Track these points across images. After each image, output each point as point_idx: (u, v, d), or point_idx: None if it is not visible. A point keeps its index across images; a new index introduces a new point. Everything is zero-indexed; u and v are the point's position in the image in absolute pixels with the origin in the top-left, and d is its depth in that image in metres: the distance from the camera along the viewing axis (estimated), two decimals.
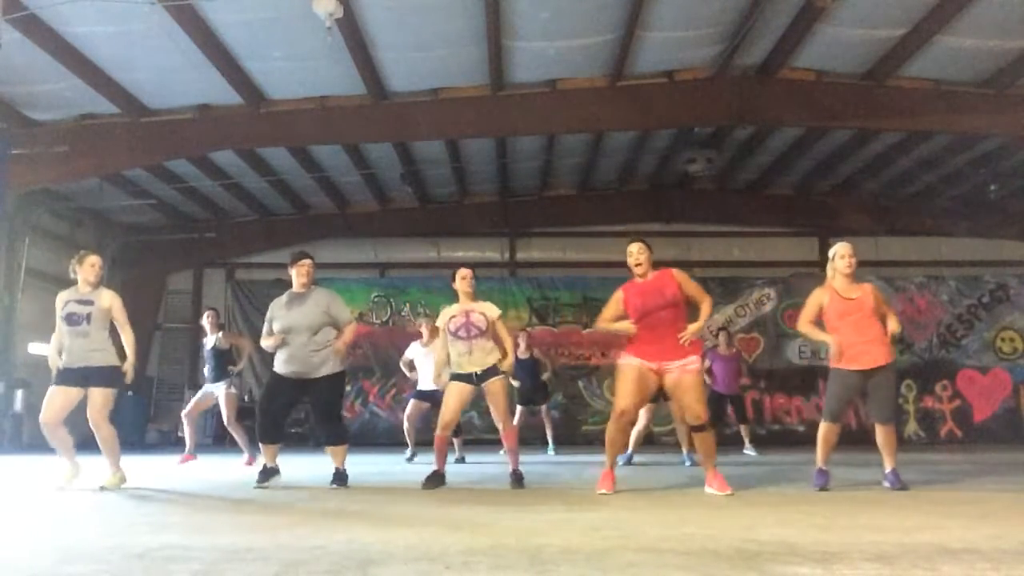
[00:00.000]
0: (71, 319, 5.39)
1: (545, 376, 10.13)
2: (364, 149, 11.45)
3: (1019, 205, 13.28)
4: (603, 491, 4.92)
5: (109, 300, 5.55)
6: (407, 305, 13.54)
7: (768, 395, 13.28)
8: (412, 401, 8.73)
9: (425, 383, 8.51)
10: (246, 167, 11.59)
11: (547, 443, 10.10)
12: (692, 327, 5.03)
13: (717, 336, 10.68)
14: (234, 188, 12.47)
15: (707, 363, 10.31)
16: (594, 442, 12.68)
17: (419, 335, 8.86)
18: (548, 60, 8.93)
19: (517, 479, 5.55)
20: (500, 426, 5.71)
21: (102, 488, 5.34)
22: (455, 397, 5.58)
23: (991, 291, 13.67)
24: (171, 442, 12.71)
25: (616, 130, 11.08)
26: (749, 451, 9.81)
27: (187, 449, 8.21)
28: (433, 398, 8.14)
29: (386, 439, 12.58)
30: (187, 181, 12.02)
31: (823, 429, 5.28)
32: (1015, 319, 13.54)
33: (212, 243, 13.94)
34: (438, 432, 5.61)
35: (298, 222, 13.94)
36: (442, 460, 5.65)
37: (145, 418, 12.77)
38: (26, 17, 7.29)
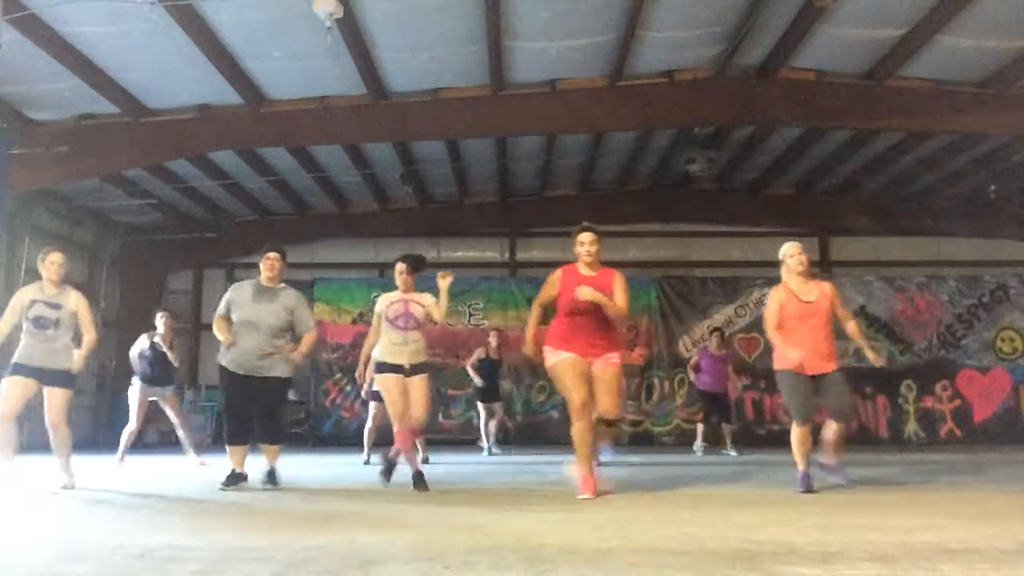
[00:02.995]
0: (39, 322, 5.32)
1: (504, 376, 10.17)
2: (364, 149, 11.45)
3: (1019, 205, 13.28)
4: (586, 496, 4.69)
5: (75, 303, 5.49)
6: None
7: (768, 395, 13.25)
8: (375, 404, 8.32)
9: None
10: (246, 167, 11.59)
11: (487, 442, 9.99)
12: (595, 294, 4.90)
13: (710, 336, 10.66)
14: (234, 188, 12.47)
15: (694, 360, 10.35)
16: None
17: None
18: (548, 60, 8.93)
19: (419, 477, 5.46)
20: (417, 417, 5.54)
21: (63, 488, 5.31)
22: (396, 389, 5.49)
23: (991, 291, 13.65)
24: (171, 442, 12.70)
25: (616, 130, 11.07)
26: (730, 451, 9.80)
27: (191, 452, 8.09)
28: None
29: (386, 439, 12.57)
30: (187, 181, 12.01)
31: (795, 433, 5.18)
32: (1015, 319, 13.52)
33: (212, 243, 13.93)
34: (398, 428, 5.53)
35: (298, 222, 13.93)
36: (415, 458, 5.61)
37: (145, 418, 12.74)
38: (26, 17, 7.28)
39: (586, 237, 5.13)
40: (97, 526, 3.74)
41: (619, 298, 5.00)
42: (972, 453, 9.89)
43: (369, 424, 8.52)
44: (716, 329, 11.07)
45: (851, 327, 5.45)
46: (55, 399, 5.37)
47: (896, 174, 12.78)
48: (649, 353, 13.37)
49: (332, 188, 12.95)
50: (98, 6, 7.20)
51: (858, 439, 12.80)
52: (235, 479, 5.42)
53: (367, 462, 8.26)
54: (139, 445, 11.84)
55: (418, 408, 5.56)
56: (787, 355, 5.07)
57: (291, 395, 13.32)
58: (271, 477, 5.47)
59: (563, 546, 2.91)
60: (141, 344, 8.14)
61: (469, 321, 13.42)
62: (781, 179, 13.47)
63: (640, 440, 12.86)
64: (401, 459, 5.75)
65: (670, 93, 9.71)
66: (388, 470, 5.74)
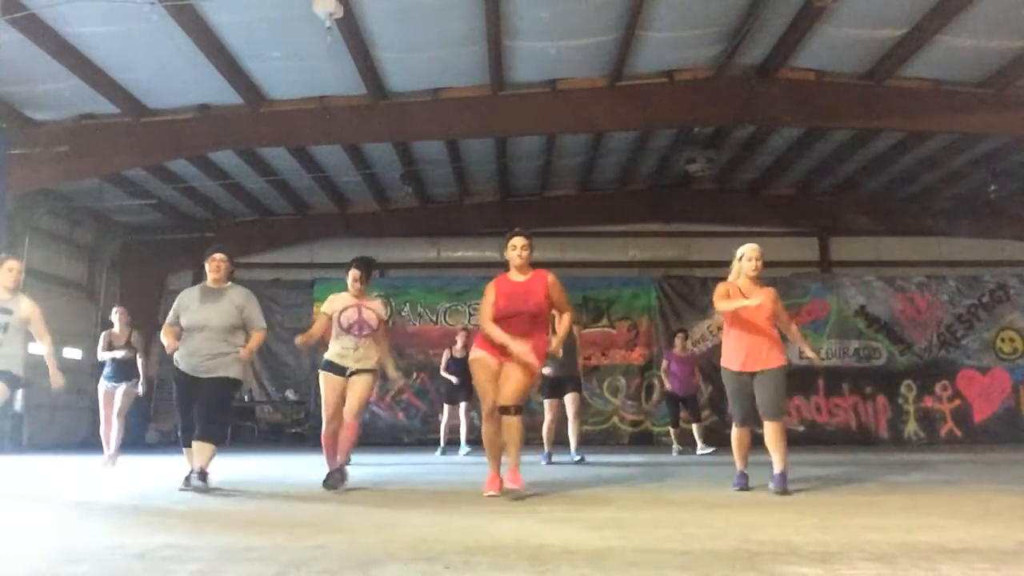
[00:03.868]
0: None
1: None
2: (364, 149, 11.45)
3: (1019, 205, 13.28)
4: (491, 493, 4.77)
5: (28, 310, 5.44)
6: (407, 305, 13.53)
7: None
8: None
9: None
10: (246, 167, 11.59)
11: (458, 443, 9.88)
12: (554, 341, 5.09)
13: (674, 338, 10.63)
14: (234, 188, 12.47)
15: (664, 364, 10.36)
16: (593, 442, 12.67)
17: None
18: (548, 60, 8.93)
19: (340, 477, 5.41)
20: (348, 412, 5.48)
21: None
22: (333, 389, 5.50)
23: (991, 291, 13.66)
24: (171, 442, 12.70)
25: (616, 130, 11.08)
26: (702, 450, 9.78)
27: (112, 451, 7.87)
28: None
29: (386, 439, 12.59)
30: (187, 181, 12.02)
31: (734, 434, 5.25)
32: (1015, 319, 13.53)
33: (212, 243, 13.91)
34: (324, 429, 5.53)
35: (298, 222, 13.94)
36: (332, 457, 5.56)
37: (145, 418, 12.75)
38: (26, 17, 7.29)
39: (519, 241, 5.13)
40: (97, 526, 3.74)
41: (559, 302, 5.08)
42: (972, 453, 9.89)
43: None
44: (680, 330, 11.02)
45: (793, 330, 5.48)
46: None
47: (896, 174, 12.78)
48: (649, 353, 13.37)
49: (332, 188, 12.96)
50: (98, 6, 7.21)
51: (858, 439, 12.84)
52: (191, 480, 5.25)
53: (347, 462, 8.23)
54: (140, 445, 11.89)
55: (352, 402, 5.49)
56: (733, 354, 5.14)
57: (290, 395, 13.36)
58: (202, 477, 5.15)
59: (563, 546, 2.91)
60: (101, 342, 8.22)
61: (469, 321, 13.42)
62: (781, 179, 13.48)
63: (640, 440, 12.86)
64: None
65: (670, 93, 9.72)
66: (337, 475, 5.59)
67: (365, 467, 7.83)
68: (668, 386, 10.22)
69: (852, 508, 4.24)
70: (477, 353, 5.04)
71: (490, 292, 5.07)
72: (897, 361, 13.32)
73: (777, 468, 5.01)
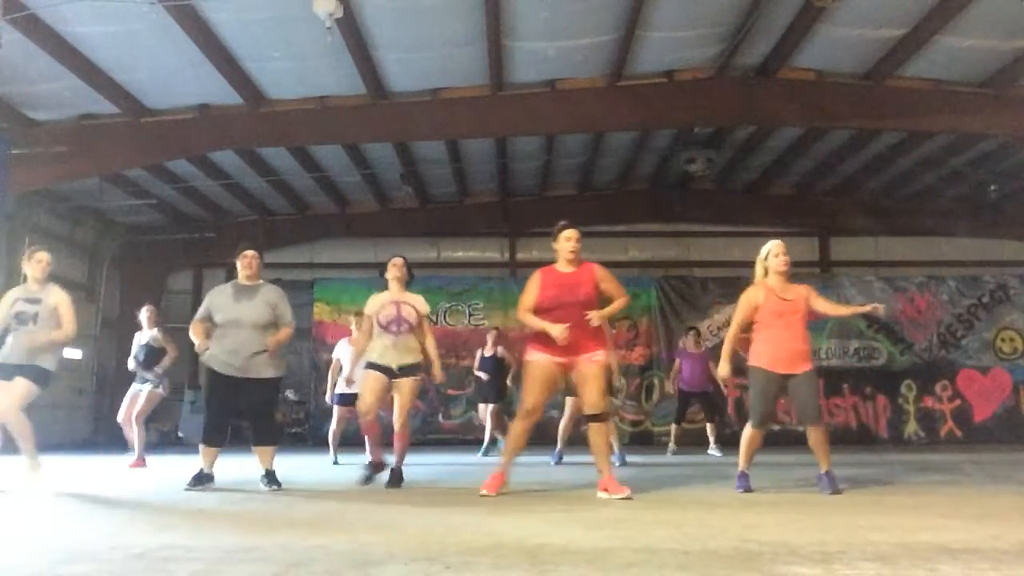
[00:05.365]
0: (19, 317, 5.35)
1: (510, 377, 10.03)
2: (364, 149, 11.45)
3: (1019, 205, 13.28)
4: (485, 492, 4.74)
5: (56, 298, 5.50)
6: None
7: None
8: (337, 408, 8.34)
9: (353, 387, 7.74)
10: (246, 167, 11.59)
11: (481, 443, 9.87)
12: (600, 312, 4.87)
13: (687, 335, 10.63)
14: (234, 188, 12.47)
15: (677, 362, 10.31)
16: None
17: (349, 334, 8.43)
18: (548, 60, 8.93)
19: (396, 478, 5.53)
20: (397, 424, 5.57)
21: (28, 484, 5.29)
22: (371, 385, 5.48)
23: (991, 291, 13.66)
24: (171, 442, 12.71)
25: (616, 130, 11.07)
26: (713, 451, 9.69)
27: (136, 454, 7.88)
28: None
29: (386, 439, 12.57)
30: (187, 181, 12.02)
31: (748, 434, 5.18)
32: (1015, 319, 13.53)
33: (212, 243, 13.93)
34: (362, 420, 5.55)
35: (298, 222, 13.94)
36: (378, 449, 5.57)
37: (145, 418, 12.75)
38: (26, 17, 7.29)
39: (572, 233, 5.08)
40: (97, 526, 3.74)
41: (613, 289, 5.02)
42: (972, 453, 9.89)
43: (334, 426, 8.49)
44: (691, 328, 11.01)
45: (841, 309, 5.46)
46: (16, 388, 5.30)
47: (896, 174, 12.78)
48: (649, 353, 13.37)
49: (332, 188, 12.96)
50: (98, 6, 7.20)
51: (858, 439, 12.83)
52: (201, 479, 5.32)
53: (336, 463, 8.24)
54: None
55: (400, 408, 5.55)
56: (764, 353, 5.10)
57: (290, 395, 13.35)
58: (271, 479, 5.36)
59: (563, 546, 2.91)
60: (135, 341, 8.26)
61: (469, 321, 13.43)
62: (781, 179, 13.48)
63: (640, 440, 12.85)
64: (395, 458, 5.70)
65: (670, 93, 9.72)
66: (384, 473, 5.70)
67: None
68: (677, 385, 10.16)
69: (852, 508, 4.24)
70: (534, 355, 4.94)
71: (533, 283, 5.03)
72: (897, 361, 13.33)
73: (823, 469, 5.04)
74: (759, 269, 5.32)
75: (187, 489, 5.19)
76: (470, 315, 13.39)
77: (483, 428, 10.12)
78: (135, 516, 4.07)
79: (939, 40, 8.51)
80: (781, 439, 12.67)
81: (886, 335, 13.44)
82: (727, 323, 13.20)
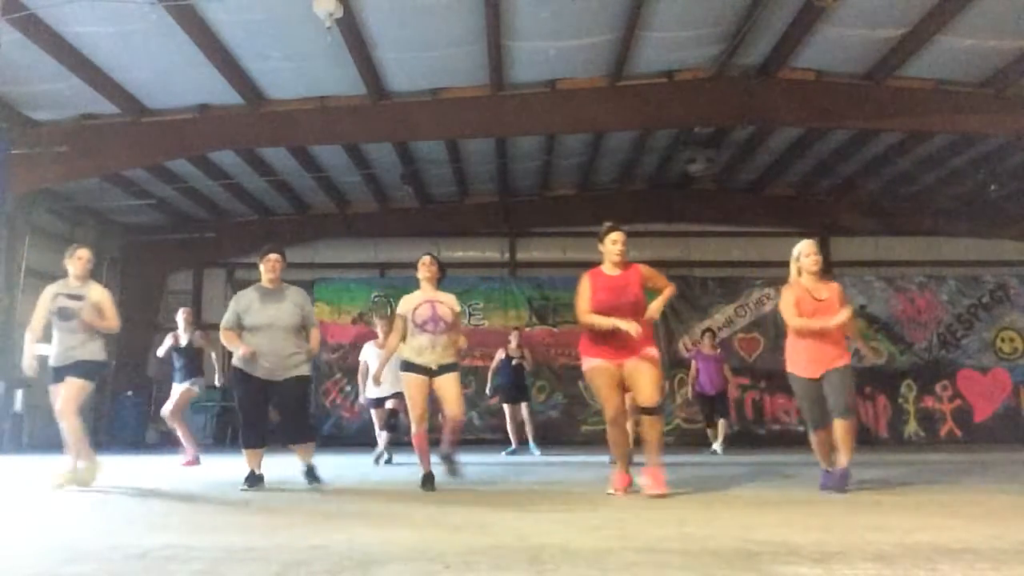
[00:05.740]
0: (63, 313, 5.39)
1: (529, 374, 10.13)
2: (364, 149, 11.45)
3: (1019, 205, 13.28)
4: (615, 491, 4.87)
5: (98, 294, 5.56)
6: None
7: (768, 395, 13.27)
8: (374, 411, 8.38)
9: (382, 388, 7.83)
10: (246, 167, 11.59)
11: (527, 443, 9.91)
12: (653, 305, 5.00)
13: (702, 337, 10.66)
14: (234, 188, 12.47)
15: (693, 365, 10.33)
16: (593, 442, 12.66)
17: (375, 336, 8.44)
18: (548, 60, 8.93)
19: (453, 466, 5.54)
20: (452, 415, 5.47)
21: (66, 484, 5.30)
22: (418, 390, 5.40)
23: (991, 291, 13.65)
24: (171, 442, 12.69)
25: (616, 130, 11.08)
26: (716, 448, 9.76)
27: (189, 453, 8.04)
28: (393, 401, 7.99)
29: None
30: (187, 181, 12.02)
31: (814, 438, 5.25)
32: (1015, 319, 13.53)
33: (212, 243, 13.93)
34: (414, 430, 5.45)
35: (298, 222, 13.94)
36: (428, 459, 5.51)
37: (145, 418, 12.76)
38: (26, 17, 7.29)
39: (619, 236, 5.15)
40: (97, 526, 3.74)
41: (660, 284, 5.14)
42: (972, 453, 9.88)
43: (378, 428, 8.50)
44: (707, 330, 11.04)
45: (853, 333, 5.54)
46: (68, 388, 5.36)
47: (896, 174, 12.78)
48: None
49: (332, 188, 12.96)
50: (98, 6, 7.21)
51: (858, 439, 12.73)
52: (254, 480, 5.38)
53: (388, 460, 8.31)
54: (140, 445, 11.89)
55: (452, 405, 5.46)
56: (801, 356, 5.13)
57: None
58: (312, 475, 5.43)
59: (563, 546, 2.91)
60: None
61: (469, 321, 13.41)
62: (781, 179, 13.47)
63: (640, 440, 12.83)
64: (438, 454, 5.65)
65: (670, 93, 9.72)
66: (451, 465, 5.66)
67: (365, 468, 7.84)
68: (695, 387, 10.17)
69: (852, 508, 4.24)
70: (593, 362, 4.97)
71: (585, 286, 5.08)
72: (897, 361, 13.32)
73: (841, 463, 5.07)
74: (793, 269, 5.35)
75: (242, 490, 5.24)
76: (470, 315, 13.37)
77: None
78: (135, 516, 4.07)
79: (939, 40, 8.51)
80: (781, 439, 12.75)
81: (886, 335, 13.43)
82: (727, 323, 13.29)
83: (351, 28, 7.86)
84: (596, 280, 5.10)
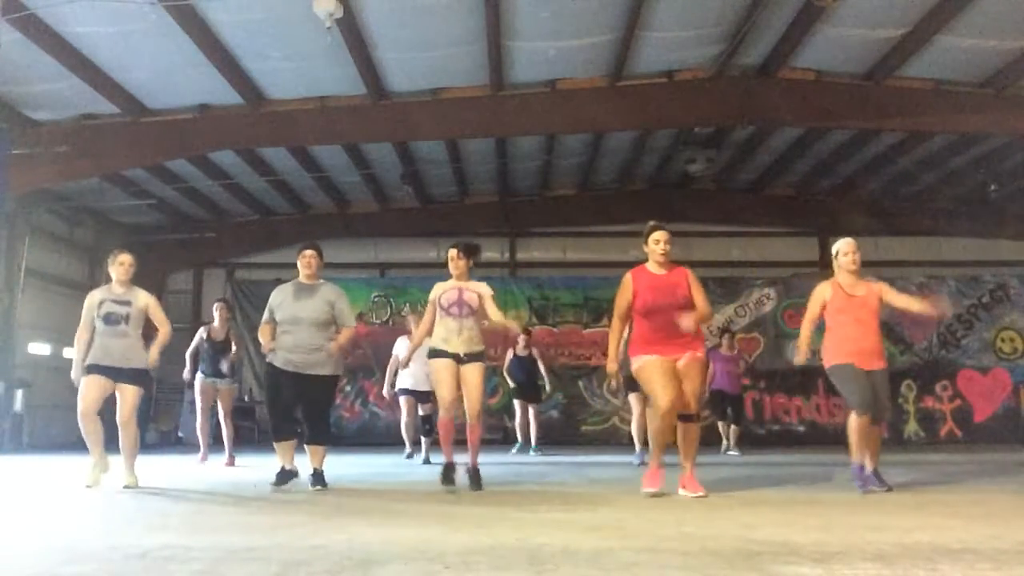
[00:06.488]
0: (109, 319, 5.41)
1: (542, 376, 10.08)
2: (364, 149, 11.45)
3: (1019, 205, 13.28)
4: (650, 490, 4.69)
5: (145, 300, 5.59)
6: (407, 305, 13.51)
7: (768, 395, 13.29)
8: (404, 399, 8.45)
9: (416, 382, 8.18)
10: (246, 167, 11.59)
11: (530, 443, 9.90)
12: (692, 316, 4.83)
13: (720, 337, 10.67)
14: (234, 188, 12.47)
15: (711, 365, 10.29)
16: (594, 442, 12.67)
17: (408, 332, 8.56)
18: (548, 60, 8.93)
19: (477, 478, 5.31)
20: (471, 417, 5.39)
21: (125, 487, 5.31)
22: (448, 374, 5.33)
23: (991, 291, 13.66)
24: (171, 442, 12.71)
25: (616, 130, 11.07)
26: (732, 451, 9.74)
27: (226, 451, 8.04)
28: (423, 395, 8.10)
29: (386, 439, 12.57)
30: (187, 181, 12.02)
31: (856, 423, 5.00)
32: (1015, 319, 13.53)
33: (212, 243, 13.93)
34: (442, 416, 5.41)
35: (298, 222, 13.93)
36: (450, 448, 5.42)
37: (145, 418, 12.75)
38: (26, 17, 7.29)
39: (662, 235, 5.06)
40: (97, 526, 3.74)
41: (699, 301, 4.95)
42: (972, 453, 9.88)
43: (405, 418, 8.56)
44: (726, 330, 11.07)
45: (914, 304, 5.45)
46: (128, 396, 5.43)
47: (896, 174, 12.78)
48: None
49: (332, 188, 12.96)
50: (98, 6, 7.21)
51: None
52: (285, 476, 5.37)
53: (410, 456, 8.42)
54: (141, 445, 11.87)
55: (471, 399, 5.38)
56: (840, 349, 5.07)
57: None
58: (317, 479, 5.38)
59: (563, 546, 2.91)
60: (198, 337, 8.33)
61: None
62: (781, 179, 13.47)
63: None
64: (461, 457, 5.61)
65: (670, 93, 9.72)
66: (475, 480, 5.44)
67: (365, 467, 7.83)
68: (711, 385, 10.12)
69: (852, 508, 4.24)
70: (646, 359, 4.82)
71: (627, 286, 4.96)
72: (897, 361, 13.31)
73: (872, 465, 5.05)
74: (835, 266, 5.34)
75: (273, 488, 5.24)
76: None
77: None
78: (135, 516, 4.07)
79: (939, 40, 8.51)
80: (781, 439, 12.75)
81: (886, 335, 13.40)
82: (727, 323, 13.28)
83: (351, 28, 7.86)
84: (640, 279, 4.99)
